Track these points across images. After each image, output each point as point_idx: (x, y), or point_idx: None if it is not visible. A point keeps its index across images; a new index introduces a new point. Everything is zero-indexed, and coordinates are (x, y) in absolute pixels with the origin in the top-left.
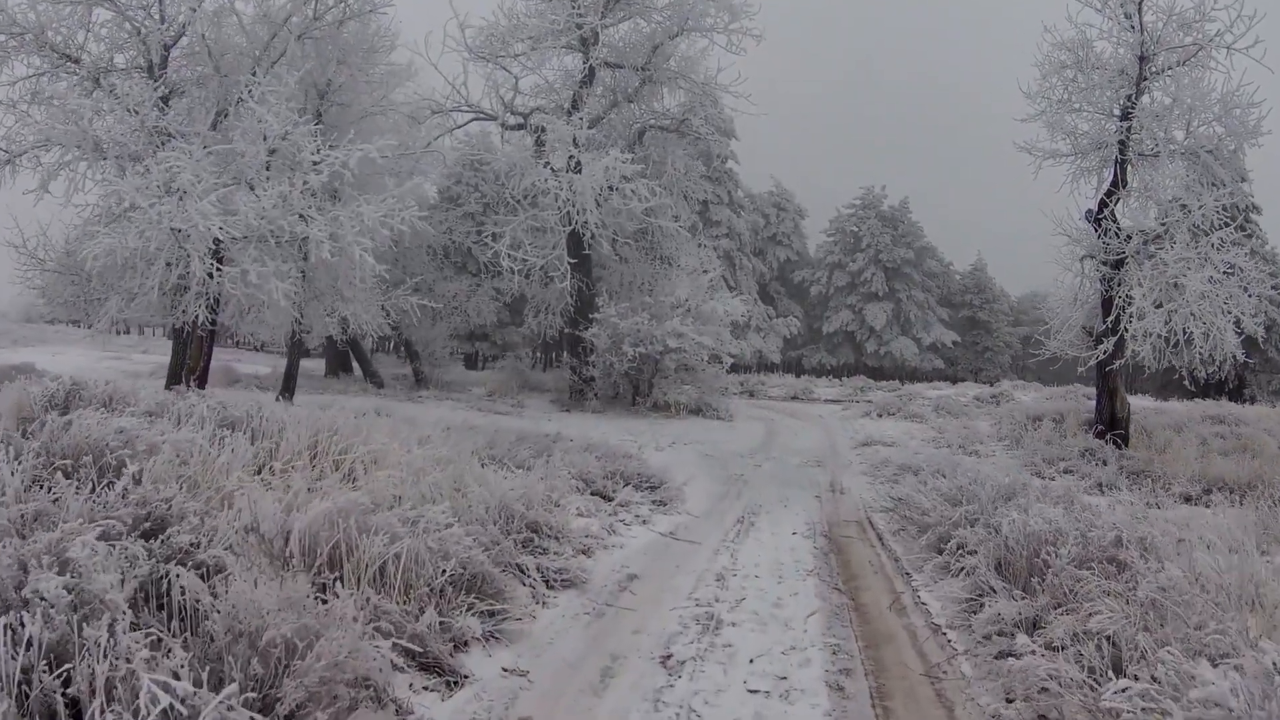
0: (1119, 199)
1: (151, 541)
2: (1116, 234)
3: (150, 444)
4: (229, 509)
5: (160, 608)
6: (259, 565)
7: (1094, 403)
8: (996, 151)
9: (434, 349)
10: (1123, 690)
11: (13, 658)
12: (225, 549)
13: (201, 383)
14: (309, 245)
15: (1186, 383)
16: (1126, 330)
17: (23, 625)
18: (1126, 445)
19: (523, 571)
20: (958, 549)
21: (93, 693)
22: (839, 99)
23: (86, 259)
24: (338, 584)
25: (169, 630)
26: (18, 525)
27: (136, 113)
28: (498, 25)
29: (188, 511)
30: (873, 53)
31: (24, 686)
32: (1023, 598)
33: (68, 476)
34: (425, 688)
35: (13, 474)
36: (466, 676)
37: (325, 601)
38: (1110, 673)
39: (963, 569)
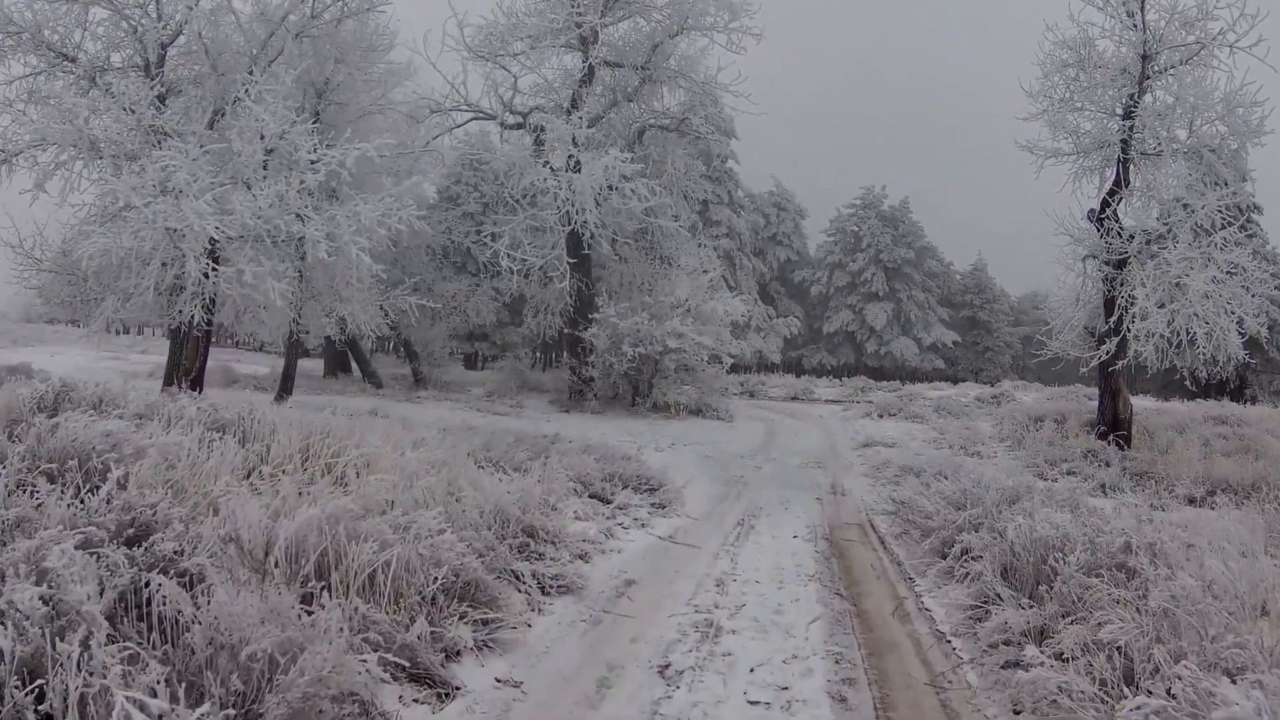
0: (1121, 198)
1: (134, 549)
2: (1119, 234)
3: (138, 447)
4: (215, 515)
5: (141, 618)
6: (238, 576)
7: (1095, 403)
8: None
9: (433, 349)
10: (1138, 708)
11: None
12: (209, 557)
13: (197, 383)
14: (306, 245)
15: (1188, 383)
16: (1129, 330)
17: None
18: (1129, 446)
19: (518, 578)
20: (962, 554)
21: (65, 709)
22: (839, 99)
23: (81, 259)
24: (325, 593)
25: (149, 642)
26: None
27: (133, 111)
28: (497, 24)
29: (172, 518)
30: (873, 53)
31: None
32: (1030, 606)
33: (53, 481)
34: (416, 700)
35: None
36: (458, 688)
37: (311, 613)
38: (1122, 685)
39: (967, 574)
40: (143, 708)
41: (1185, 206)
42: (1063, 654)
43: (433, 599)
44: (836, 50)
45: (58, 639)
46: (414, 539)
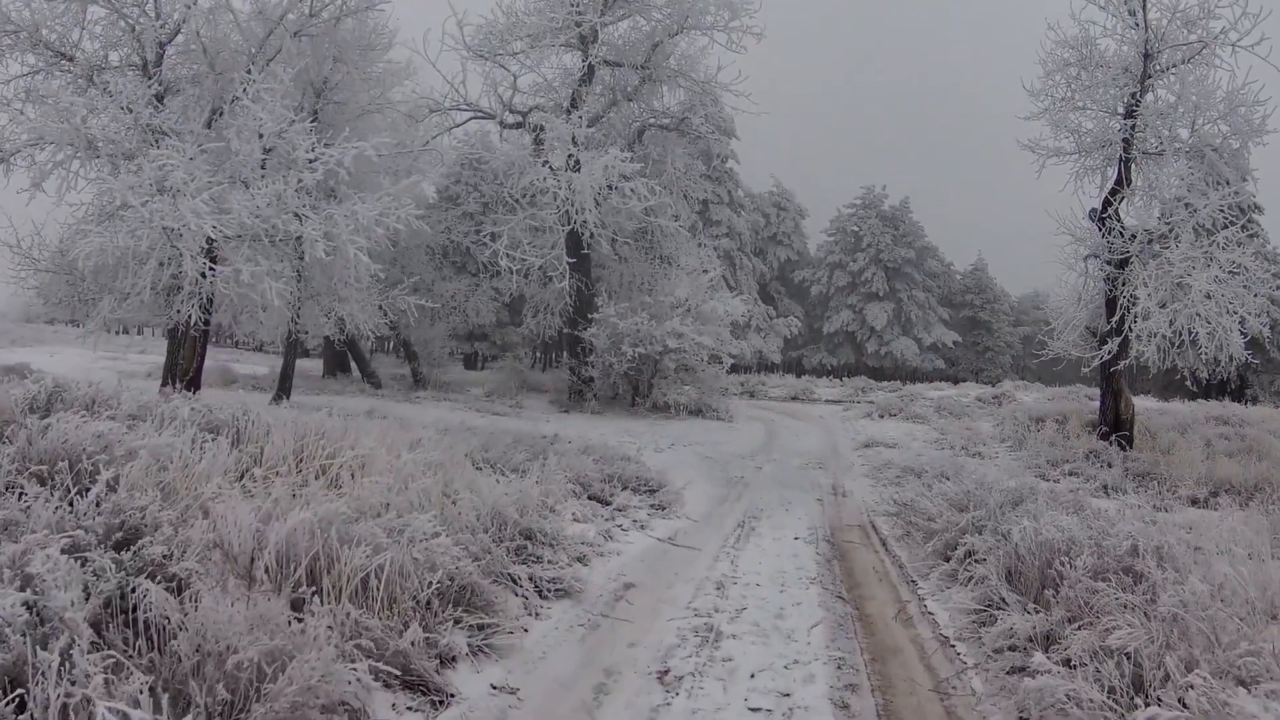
0: (1123, 198)
1: (123, 553)
2: (1121, 233)
3: (129, 449)
4: (205, 519)
5: (129, 624)
6: (223, 583)
7: (1097, 403)
8: (996, 151)
9: (432, 349)
10: (1151, 719)
11: None
12: (197, 562)
13: (195, 384)
14: (304, 244)
15: (1189, 383)
16: (1131, 330)
17: None
18: (1131, 447)
19: (515, 581)
20: (965, 557)
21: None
22: (839, 99)
23: (78, 258)
24: (316, 599)
25: (135, 649)
26: None
27: (130, 110)
28: (496, 23)
29: (162, 521)
30: (873, 53)
31: None
32: (1036, 610)
33: (43, 483)
34: (409, 708)
35: None
36: (453, 695)
37: (301, 619)
38: (1132, 692)
39: (971, 578)
40: (125, 718)
41: (1187, 206)
42: (1070, 660)
43: (427, 604)
44: (836, 50)
45: (39, 647)
46: (408, 543)
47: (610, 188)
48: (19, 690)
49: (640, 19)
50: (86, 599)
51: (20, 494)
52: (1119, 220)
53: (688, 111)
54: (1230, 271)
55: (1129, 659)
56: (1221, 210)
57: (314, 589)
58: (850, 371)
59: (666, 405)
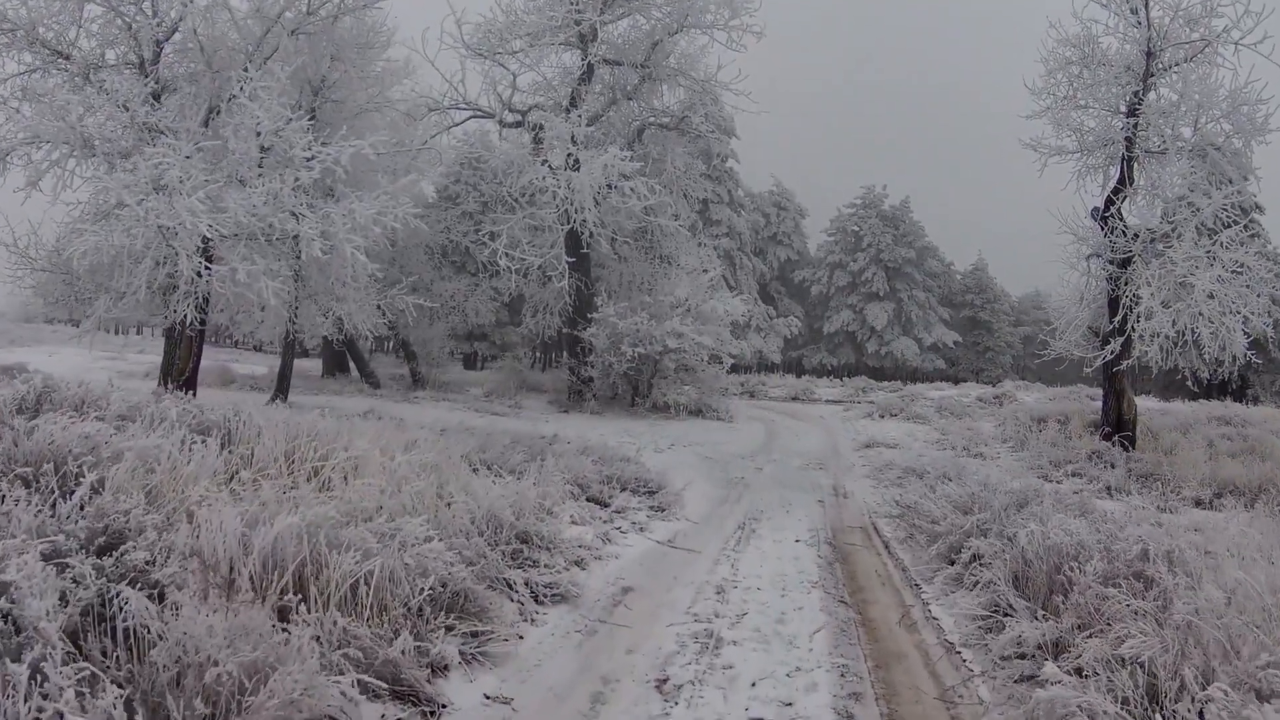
0: (1126, 196)
1: (105, 558)
2: (1123, 232)
3: (116, 451)
4: (190, 523)
5: (109, 633)
6: (204, 592)
7: (1098, 403)
8: (996, 151)
9: (432, 349)
10: None
11: None
12: (179, 567)
13: (190, 384)
14: (300, 243)
15: (1190, 383)
16: (1134, 330)
17: None
18: (1134, 447)
19: (510, 587)
20: (971, 560)
21: None
22: (839, 98)
23: (73, 257)
24: (302, 607)
25: (114, 659)
26: None
27: (127, 108)
28: (495, 21)
29: (146, 525)
30: (873, 52)
31: None
32: (1045, 617)
33: (28, 486)
34: (399, 719)
35: None
36: (445, 706)
37: (286, 630)
38: (1147, 704)
39: (977, 582)
40: None
41: (1190, 205)
42: (1081, 670)
43: (419, 611)
44: (836, 49)
45: (11, 659)
46: (399, 548)
47: (610, 187)
48: None
49: (640, 17)
50: (65, 606)
51: (2, 498)
52: (1121, 219)
53: (688, 110)
54: (1233, 271)
55: (1143, 669)
56: (1224, 209)
57: (300, 597)
58: (850, 371)
59: (666, 405)
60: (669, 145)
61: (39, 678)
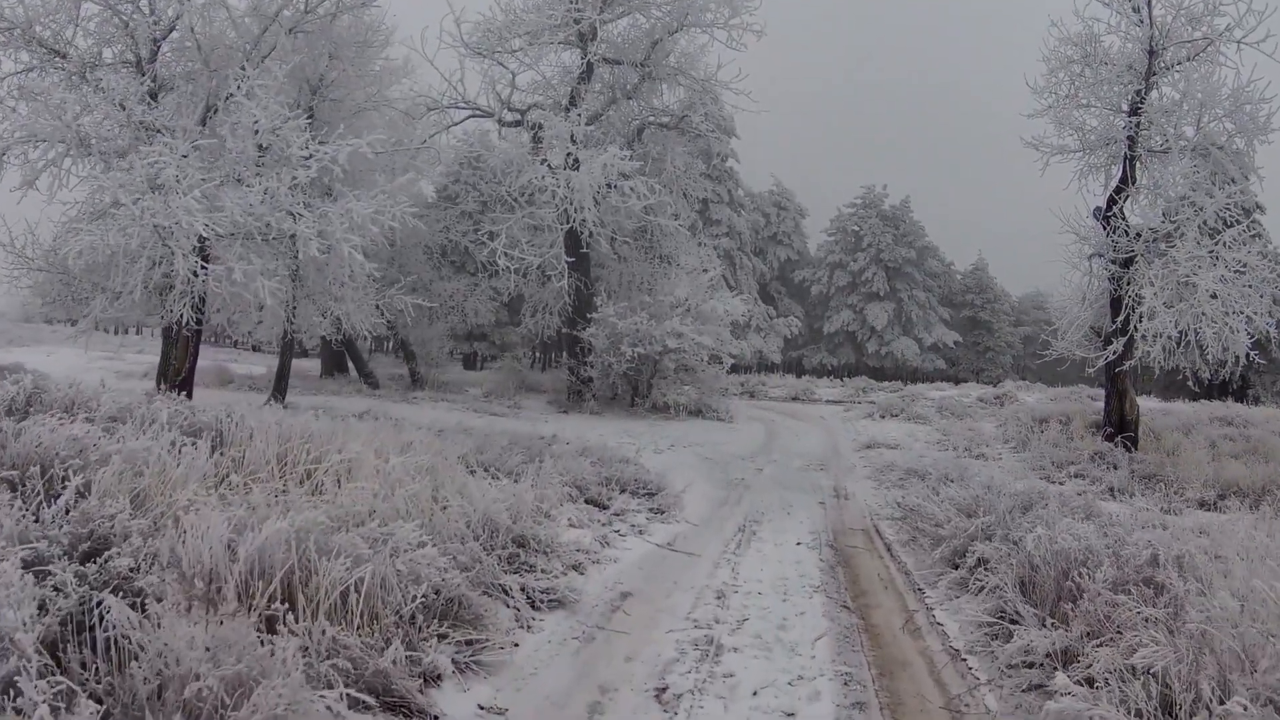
0: (1128, 196)
1: (88, 565)
2: (1126, 232)
3: (104, 453)
4: (176, 529)
5: (90, 644)
6: (183, 604)
7: (1099, 404)
8: (997, 151)
9: (431, 349)
10: None
11: None
12: (160, 575)
13: (187, 384)
14: (297, 242)
15: (1191, 383)
16: (1136, 330)
17: None
18: (1136, 448)
19: (506, 592)
20: (977, 565)
21: None
22: (839, 97)
23: (68, 256)
24: (290, 616)
25: (94, 671)
26: None
27: (123, 107)
28: (494, 20)
29: (132, 530)
30: (873, 52)
31: None
32: (1054, 625)
33: (14, 490)
34: None
35: None
36: (437, 717)
37: (273, 641)
38: (1161, 717)
39: (983, 587)
40: None
41: (1192, 204)
42: (1092, 680)
43: (411, 619)
44: (836, 48)
45: None
46: (391, 554)
47: (609, 186)
48: None
49: (640, 16)
50: (44, 616)
51: None
52: (1124, 219)
53: (687, 110)
54: (1236, 271)
55: (1156, 679)
56: (1227, 209)
57: (288, 605)
58: (851, 371)
59: (666, 406)
60: (669, 144)
61: (12, 692)
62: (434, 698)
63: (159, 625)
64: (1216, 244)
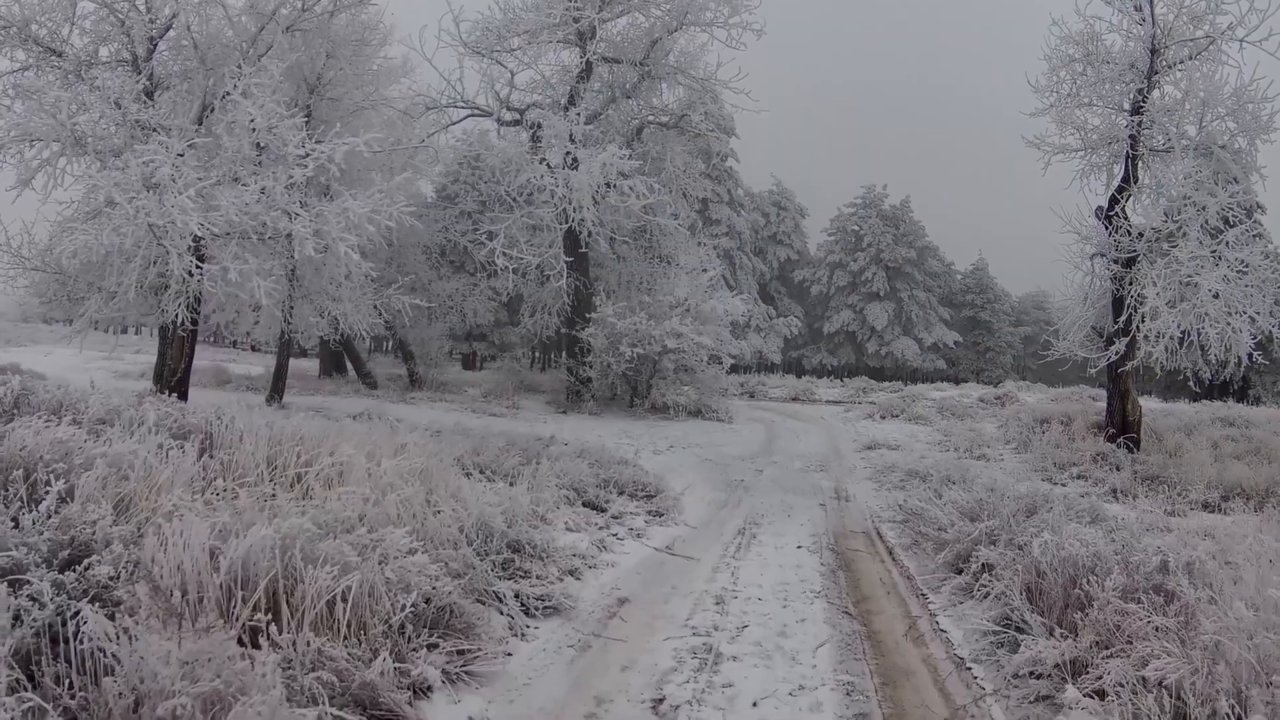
0: (1130, 195)
1: (67, 573)
2: (1128, 231)
3: (89, 457)
4: (157, 536)
5: (66, 656)
6: (159, 616)
7: (1101, 404)
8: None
9: (429, 349)
10: None
11: None
12: (128, 593)
13: (182, 385)
14: (294, 241)
15: (1191, 384)
16: (1139, 330)
17: None
18: (1138, 449)
19: (499, 600)
20: (981, 570)
21: None
22: (839, 97)
23: (62, 256)
24: (274, 627)
25: (69, 685)
26: None
27: (119, 106)
28: (493, 19)
29: (114, 537)
30: (873, 50)
31: None
32: (1063, 635)
33: None
34: None
35: None
36: None
37: (253, 655)
38: None
39: (988, 594)
40: None
41: (1195, 204)
42: (1103, 692)
43: (400, 629)
44: (837, 48)
45: None
46: (379, 561)
47: (608, 185)
48: None
49: (639, 15)
50: (19, 627)
51: None
52: (1126, 218)
53: (687, 109)
54: (1239, 271)
55: (1169, 692)
56: (1230, 208)
57: (272, 616)
58: (851, 372)
59: (665, 406)
60: (668, 144)
61: None
62: (423, 710)
63: (134, 639)
64: (1219, 243)
